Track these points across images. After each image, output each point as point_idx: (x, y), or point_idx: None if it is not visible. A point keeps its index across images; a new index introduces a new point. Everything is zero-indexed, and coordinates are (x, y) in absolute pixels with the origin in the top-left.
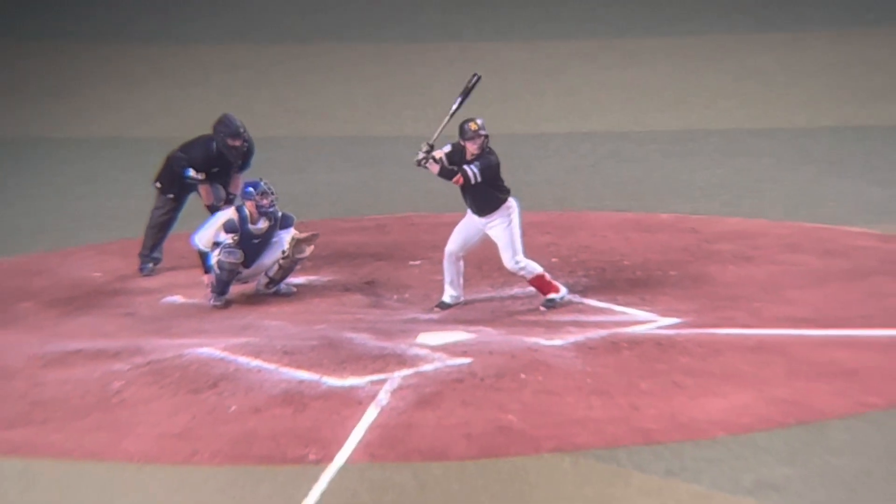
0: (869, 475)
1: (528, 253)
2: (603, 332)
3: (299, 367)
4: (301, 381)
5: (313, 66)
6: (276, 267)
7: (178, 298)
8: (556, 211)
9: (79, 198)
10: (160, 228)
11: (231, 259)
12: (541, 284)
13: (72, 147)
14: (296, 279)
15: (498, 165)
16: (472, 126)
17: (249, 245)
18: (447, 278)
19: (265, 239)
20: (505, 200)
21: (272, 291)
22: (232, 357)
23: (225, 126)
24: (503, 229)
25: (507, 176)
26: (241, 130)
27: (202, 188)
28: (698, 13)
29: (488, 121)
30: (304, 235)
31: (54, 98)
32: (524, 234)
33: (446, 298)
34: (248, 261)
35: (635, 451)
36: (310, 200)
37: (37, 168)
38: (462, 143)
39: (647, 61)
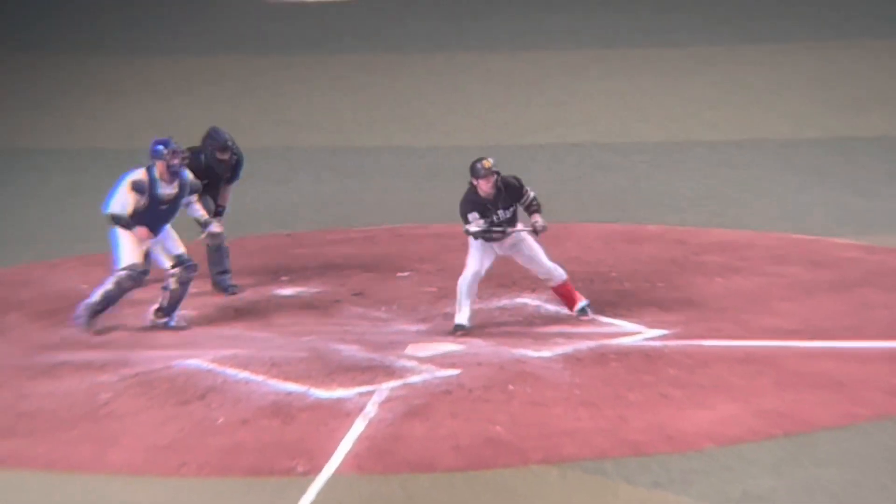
0: (856, 486)
1: (515, 265)
2: (591, 344)
3: (287, 378)
4: (289, 393)
5: (298, 77)
6: (165, 294)
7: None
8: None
9: (64, 209)
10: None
11: (129, 283)
12: (566, 292)
13: (57, 158)
14: (284, 290)
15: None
16: (486, 164)
17: (156, 212)
18: (467, 300)
19: (173, 206)
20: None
21: (162, 323)
22: (220, 369)
23: (212, 139)
24: (529, 241)
25: None
26: (230, 143)
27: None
28: (683, 25)
29: (473, 132)
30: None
31: (39, 109)
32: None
33: (465, 321)
34: (154, 229)
35: (623, 463)
36: (296, 211)
37: (21, 179)
38: (474, 181)
39: (633, 72)
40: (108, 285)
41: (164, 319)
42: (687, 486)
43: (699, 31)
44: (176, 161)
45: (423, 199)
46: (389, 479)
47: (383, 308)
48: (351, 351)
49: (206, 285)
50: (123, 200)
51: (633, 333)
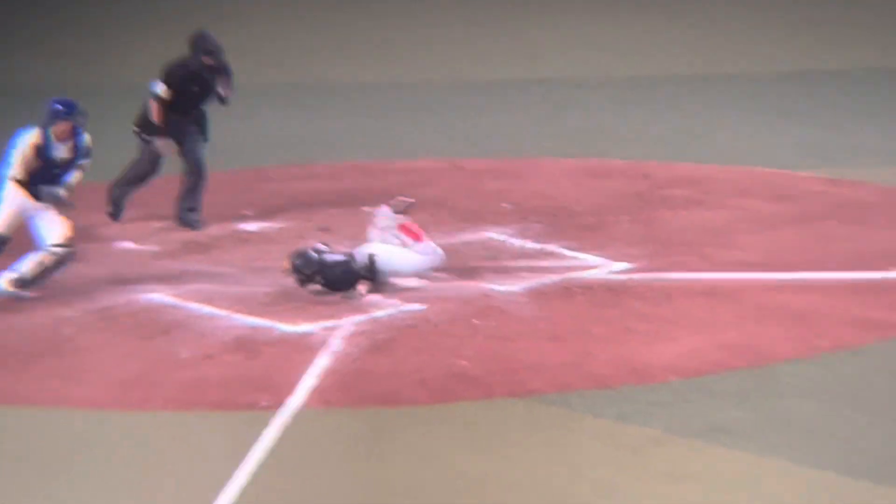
0: (819, 417)
1: (480, 200)
2: (555, 278)
3: (251, 313)
4: (253, 328)
5: (267, 12)
6: (36, 263)
7: (130, 244)
8: (509, 158)
9: None
10: (137, 180)
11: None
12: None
13: (27, 95)
14: (248, 225)
15: None
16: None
17: (48, 174)
18: None
19: (64, 171)
20: None
21: (8, 291)
22: (183, 304)
23: (201, 40)
24: None
25: (459, 123)
26: (216, 49)
27: (154, 106)
28: None
29: (439, 68)
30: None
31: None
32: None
33: None
34: (38, 193)
35: (588, 396)
36: (262, 148)
37: None
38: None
39: (603, 9)
40: None
41: (23, 292)
42: (651, 418)
43: None
44: (81, 121)
45: (392, 137)
46: (354, 412)
47: (349, 242)
48: (315, 285)
49: (168, 218)
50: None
51: (598, 267)
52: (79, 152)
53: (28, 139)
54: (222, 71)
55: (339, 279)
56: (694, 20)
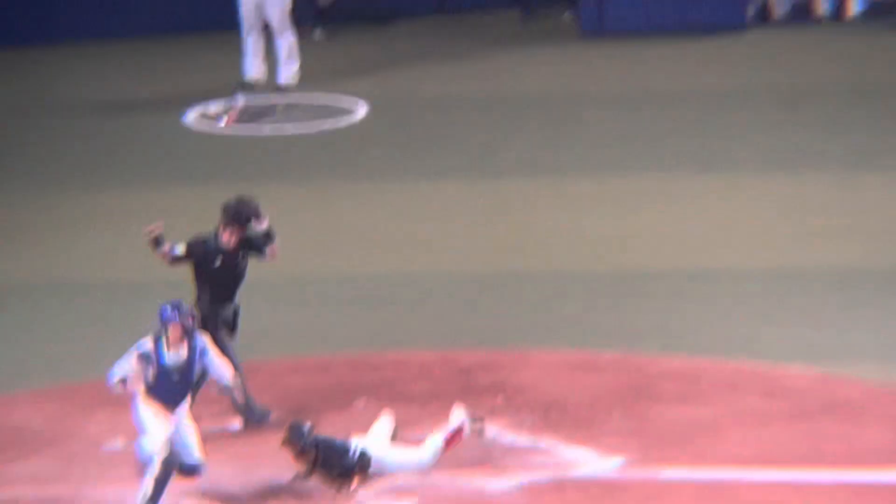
0: None
1: (474, 395)
2: (548, 473)
3: None
4: None
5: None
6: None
7: (118, 444)
8: (501, 349)
9: (16, 343)
10: None
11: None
12: None
13: (9, 293)
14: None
15: None
16: None
17: (168, 387)
18: None
19: (185, 377)
20: None
21: None
22: None
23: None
24: None
25: (452, 315)
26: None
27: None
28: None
29: (426, 258)
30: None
31: None
32: None
33: None
34: (169, 409)
35: None
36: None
37: None
38: None
39: (592, 206)
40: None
41: None
42: None
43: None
44: (190, 321)
45: (382, 326)
46: None
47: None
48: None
49: None
50: (126, 368)
51: (590, 462)
52: (192, 352)
53: (135, 349)
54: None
55: (335, 463)
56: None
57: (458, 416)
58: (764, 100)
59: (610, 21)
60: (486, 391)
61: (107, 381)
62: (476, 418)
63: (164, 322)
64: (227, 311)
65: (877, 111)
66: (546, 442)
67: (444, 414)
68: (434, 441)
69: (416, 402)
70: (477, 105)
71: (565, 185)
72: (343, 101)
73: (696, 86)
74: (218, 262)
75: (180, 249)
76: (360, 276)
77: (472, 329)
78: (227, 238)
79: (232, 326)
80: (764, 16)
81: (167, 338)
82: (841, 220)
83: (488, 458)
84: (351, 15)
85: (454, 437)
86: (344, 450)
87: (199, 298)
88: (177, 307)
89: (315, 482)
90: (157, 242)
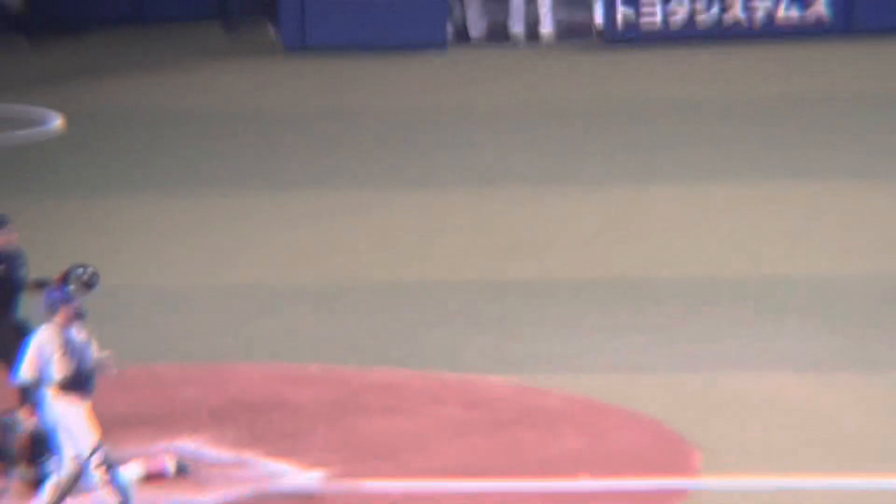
0: None
1: (181, 407)
2: (250, 487)
3: None
4: None
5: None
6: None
7: None
8: (204, 363)
9: None
10: None
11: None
12: None
13: None
14: None
15: None
16: None
17: (87, 373)
18: None
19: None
20: None
21: None
22: None
23: None
24: None
25: (150, 325)
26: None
27: None
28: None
29: (128, 273)
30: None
31: None
32: None
33: None
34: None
35: None
36: None
37: None
38: None
39: (298, 219)
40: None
41: None
42: None
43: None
44: (78, 303)
45: None
46: None
47: None
48: None
49: None
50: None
51: (295, 475)
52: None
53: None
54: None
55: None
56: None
57: (166, 461)
58: (464, 118)
59: (312, 37)
60: (189, 407)
61: (15, 381)
62: (183, 466)
63: (64, 303)
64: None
65: (577, 130)
66: (249, 456)
67: (144, 430)
68: (132, 470)
69: (118, 419)
70: (179, 118)
71: (282, 198)
72: (34, 112)
73: (397, 103)
74: None
75: None
76: None
77: (174, 343)
78: (2, 239)
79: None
80: (464, 35)
81: (68, 320)
82: (531, 235)
83: (189, 472)
84: (43, 23)
85: (155, 476)
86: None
87: None
88: (63, 288)
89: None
90: None
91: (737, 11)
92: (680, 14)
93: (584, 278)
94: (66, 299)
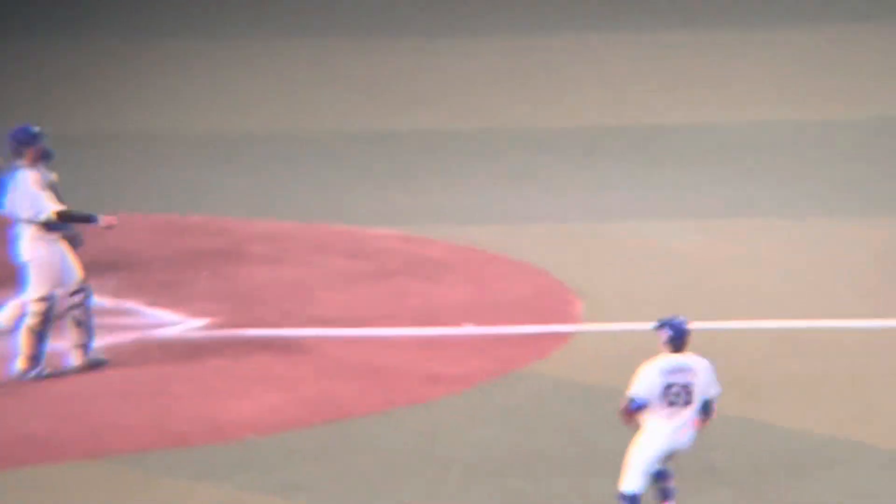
0: (386, 472)
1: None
2: (134, 336)
3: None
4: None
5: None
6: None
7: None
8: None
9: None
10: None
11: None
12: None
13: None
14: None
15: None
16: None
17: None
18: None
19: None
20: None
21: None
22: None
23: None
24: None
25: None
26: None
27: None
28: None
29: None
30: None
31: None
32: None
33: None
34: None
35: (165, 455)
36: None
37: None
38: None
39: (197, 64)
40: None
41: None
42: (228, 477)
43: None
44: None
45: None
46: None
47: None
48: None
49: None
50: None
51: (177, 324)
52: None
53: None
54: None
55: None
56: (273, 79)
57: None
58: None
59: None
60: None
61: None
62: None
63: (35, 140)
64: None
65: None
66: (130, 305)
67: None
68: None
69: None
70: None
71: (177, 47)
72: None
73: None
74: None
75: None
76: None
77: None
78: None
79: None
80: None
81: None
82: (422, 87)
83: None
84: None
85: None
86: None
87: None
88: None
89: None
90: None
91: None
92: None
93: (475, 128)
94: (33, 140)
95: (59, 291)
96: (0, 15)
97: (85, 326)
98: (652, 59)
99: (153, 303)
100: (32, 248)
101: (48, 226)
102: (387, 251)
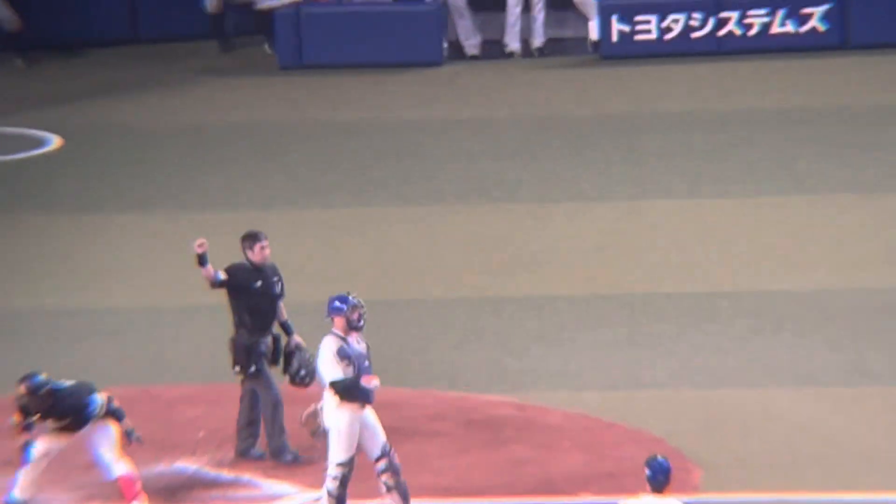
0: None
1: (176, 426)
2: None
3: None
4: None
5: None
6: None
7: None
8: (203, 383)
9: None
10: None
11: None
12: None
13: None
14: None
15: None
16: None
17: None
18: None
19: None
20: None
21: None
22: None
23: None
24: None
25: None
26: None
27: None
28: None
29: None
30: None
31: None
32: None
33: None
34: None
35: None
36: None
37: None
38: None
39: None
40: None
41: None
42: None
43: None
44: (355, 316)
45: None
46: None
47: None
48: None
49: None
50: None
51: (295, 495)
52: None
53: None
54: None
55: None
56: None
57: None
58: (461, 132)
59: (308, 55)
60: (188, 424)
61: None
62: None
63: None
64: (267, 340)
65: (574, 143)
66: (248, 477)
67: (142, 452)
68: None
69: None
70: (178, 136)
71: (278, 215)
72: (32, 132)
73: (393, 117)
74: (258, 284)
75: (222, 275)
76: (60, 311)
77: (170, 364)
78: (258, 253)
79: (273, 357)
80: (459, 52)
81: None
82: (529, 251)
83: (190, 494)
84: (40, 42)
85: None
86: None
87: (238, 329)
88: (341, 300)
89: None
90: (201, 260)
91: (732, 26)
92: (675, 29)
93: (583, 294)
94: (341, 309)
95: None
96: None
97: None
98: (757, 223)
99: (270, 474)
100: None
101: None
102: (501, 418)
